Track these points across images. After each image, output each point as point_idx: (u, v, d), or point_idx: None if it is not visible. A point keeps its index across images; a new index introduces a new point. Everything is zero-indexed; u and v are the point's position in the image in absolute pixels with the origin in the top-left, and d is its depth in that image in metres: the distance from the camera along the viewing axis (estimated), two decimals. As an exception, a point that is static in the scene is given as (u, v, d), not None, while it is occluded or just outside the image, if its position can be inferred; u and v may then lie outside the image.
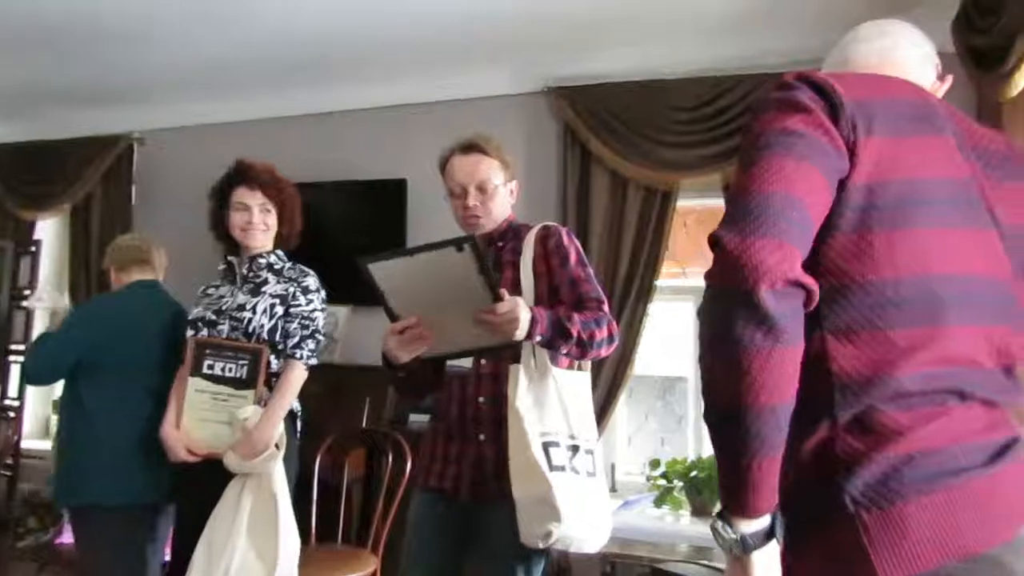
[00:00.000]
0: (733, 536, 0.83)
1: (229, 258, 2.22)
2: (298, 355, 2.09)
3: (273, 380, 2.11)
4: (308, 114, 3.71)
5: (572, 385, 1.71)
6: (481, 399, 1.74)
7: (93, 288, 4.03)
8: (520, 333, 1.51)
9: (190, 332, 2.13)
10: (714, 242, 0.82)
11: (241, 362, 2.08)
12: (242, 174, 2.16)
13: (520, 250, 1.80)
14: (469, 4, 2.73)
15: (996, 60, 1.95)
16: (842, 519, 0.81)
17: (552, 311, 1.62)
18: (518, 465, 1.59)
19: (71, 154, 4.07)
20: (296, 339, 2.09)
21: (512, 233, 1.87)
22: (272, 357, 2.10)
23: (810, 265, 0.84)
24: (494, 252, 1.83)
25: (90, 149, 4.04)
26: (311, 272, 2.19)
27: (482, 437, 1.73)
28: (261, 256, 2.17)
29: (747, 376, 0.78)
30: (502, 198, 1.84)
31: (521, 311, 1.50)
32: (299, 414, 2.19)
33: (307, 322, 2.11)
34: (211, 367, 2.07)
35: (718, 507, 0.86)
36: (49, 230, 4.30)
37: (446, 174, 1.85)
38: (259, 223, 2.13)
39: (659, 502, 3.02)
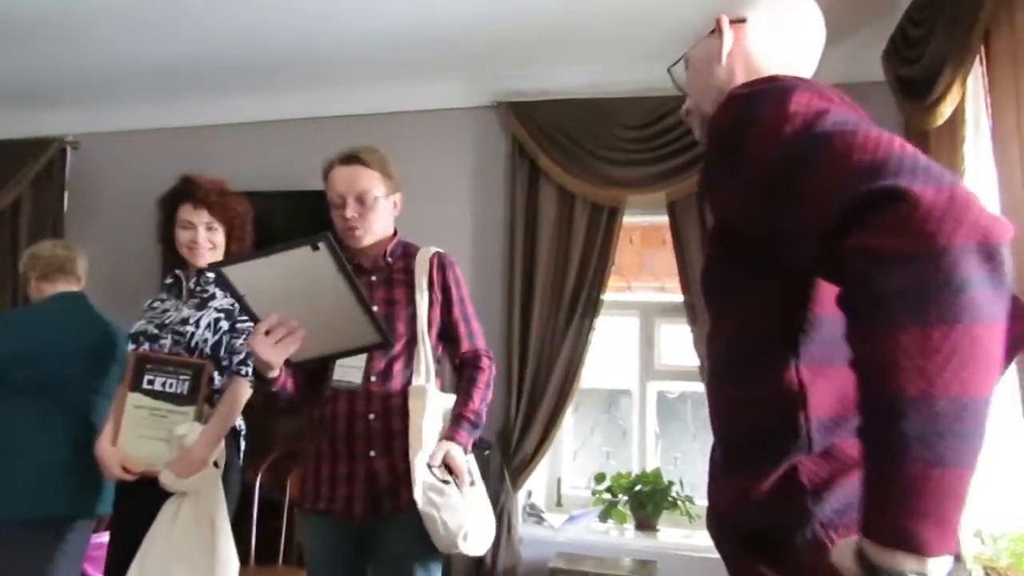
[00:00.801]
0: None
1: (176, 272, 2.16)
2: (243, 371, 2.03)
3: (216, 397, 2.05)
4: (252, 122, 3.64)
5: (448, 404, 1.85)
6: (372, 416, 1.75)
7: (20, 298, 3.85)
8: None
9: (131, 346, 2.06)
10: (898, 196, 0.64)
11: (182, 377, 2.01)
12: (188, 191, 2.09)
13: (411, 269, 1.85)
14: (421, 17, 2.73)
15: (923, 89, 2.05)
16: (811, 543, 0.79)
17: (469, 424, 1.81)
18: (426, 481, 1.69)
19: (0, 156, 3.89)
20: (243, 355, 2.03)
21: (402, 249, 1.90)
22: (216, 373, 2.04)
23: (800, 289, 0.80)
24: (385, 267, 1.85)
25: (20, 151, 3.85)
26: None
27: (372, 453, 1.75)
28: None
29: (989, 357, 0.62)
30: (383, 211, 1.84)
31: (456, 453, 1.74)
32: (243, 432, 2.13)
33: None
34: (151, 382, 2.00)
35: (879, 551, 0.65)
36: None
37: (327, 184, 1.84)
38: (204, 242, 2.07)
39: (604, 516, 3.04)
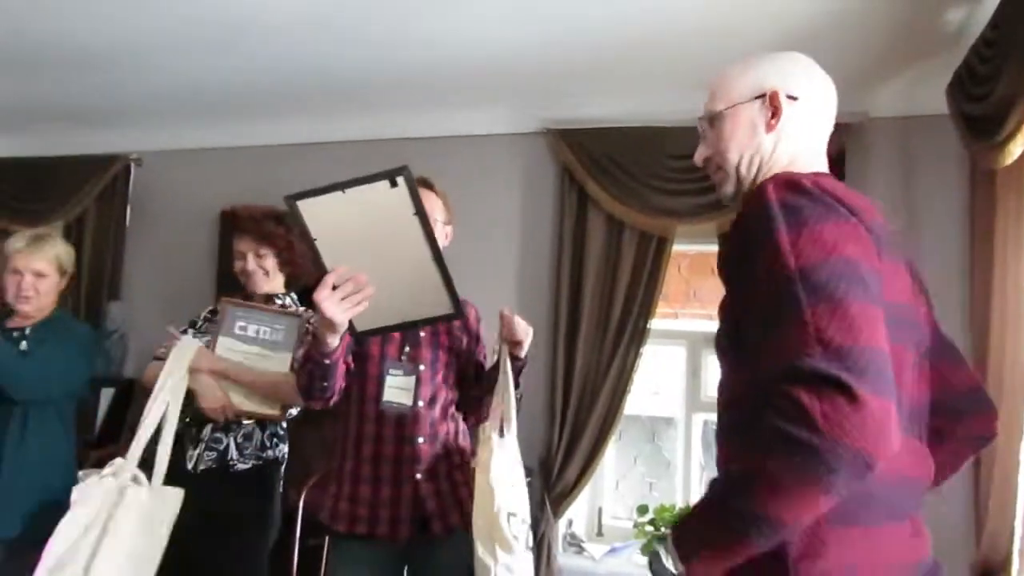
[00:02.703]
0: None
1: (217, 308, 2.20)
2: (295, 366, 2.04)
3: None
4: (305, 143, 3.72)
5: (516, 453, 1.79)
6: (421, 439, 1.75)
7: (82, 307, 3.99)
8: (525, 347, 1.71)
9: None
10: (845, 391, 0.76)
11: (278, 326, 2.02)
12: (234, 224, 2.17)
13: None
14: (472, 44, 2.76)
15: (991, 127, 1.98)
16: None
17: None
18: (483, 531, 1.64)
19: (67, 172, 4.04)
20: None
21: None
22: None
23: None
24: None
25: (87, 168, 4.01)
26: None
27: (419, 476, 1.74)
28: (276, 297, 2.16)
29: (804, 514, 0.81)
30: (439, 238, 1.86)
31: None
32: (283, 460, 2.15)
33: None
34: (244, 328, 2.00)
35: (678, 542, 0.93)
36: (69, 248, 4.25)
37: None
38: (256, 269, 2.12)
39: (646, 549, 2.99)
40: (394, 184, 1.27)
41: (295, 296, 2.21)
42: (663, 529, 3.01)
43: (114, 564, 1.59)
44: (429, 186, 1.86)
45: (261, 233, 2.12)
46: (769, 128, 1.07)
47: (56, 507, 2.09)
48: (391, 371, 1.79)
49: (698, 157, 1.17)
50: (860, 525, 0.87)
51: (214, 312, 2.21)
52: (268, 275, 2.14)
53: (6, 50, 3.02)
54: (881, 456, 0.75)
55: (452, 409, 1.87)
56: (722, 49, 2.62)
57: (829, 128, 1.13)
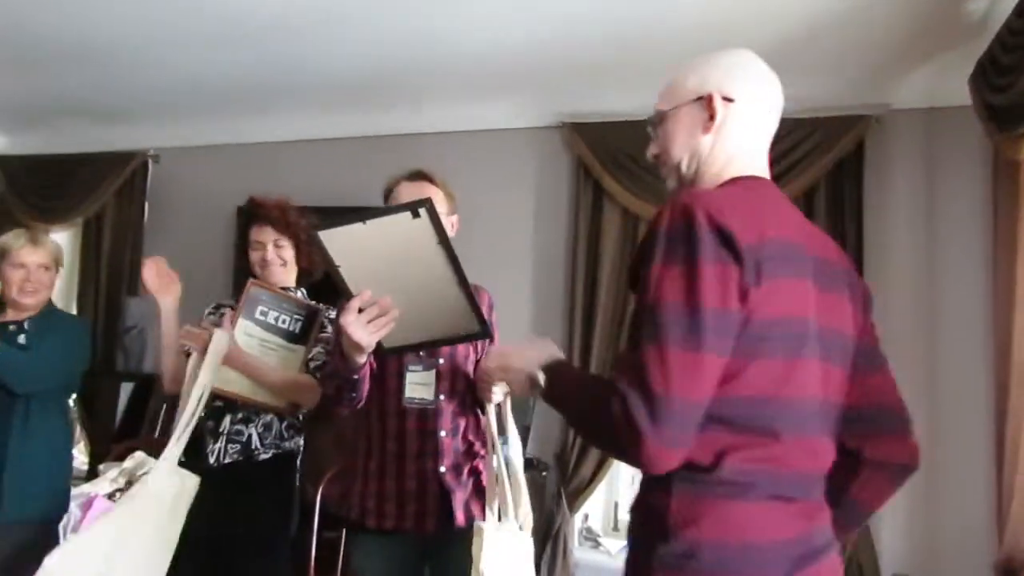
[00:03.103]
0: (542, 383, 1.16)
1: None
2: (320, 376, 2.03)
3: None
4: (321, 139, 3.73)
5: (521, 541, 1.72)
6: (443, 433, 1.76)
7: (101, 303, 4.03)
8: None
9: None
10: (638, 432, 0.91)
11: (296, 317, 2.04)
12: (254, 212, 2.15)
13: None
14: (488, 39, 2.75)
15: (1014, 118, 1.95)
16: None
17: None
18: None
19: (86, 168, 4.09)
20: (320, 362, 2.06)
21: None
22: None
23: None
24: None
25: (105, 165, 4.05)
26: (332, 307, 2.17)
27: (442, 469, 1.76)
28: (291, 291, 2.16)
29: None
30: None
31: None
32: (299, 453, 2.16)
33: (332, 349, 2.08)
34: (264, 314, 2.02)
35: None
36: (59, 243, 4.28)
37: (391, 200, 1.85)
38: (274, 259, 2.12)
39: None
40: (416, 215, 1.29)
41: (305, 291, 2.22)
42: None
43: (137, 550, 1.61)
44: (428, 179, 1.86)
45: (282, 223, 2.12)
46: (706, 129, 1.13)
47: (61, 492, 2.23)
48: (411, 368, 1.79)
49: (649, 154, 1.24)
50: (739, 501, 0.96)
51: (218, 307, 2.22)
52: (285, 266, 2.14)
53: (22, 47, 3.05)
54: (645, 469, 0.95)
55: (471, 400, 1.87)
56: (743, 42, 2.57)
57: (772, 126, 1.18)
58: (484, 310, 1.88)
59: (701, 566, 0.94)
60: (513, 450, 1.77)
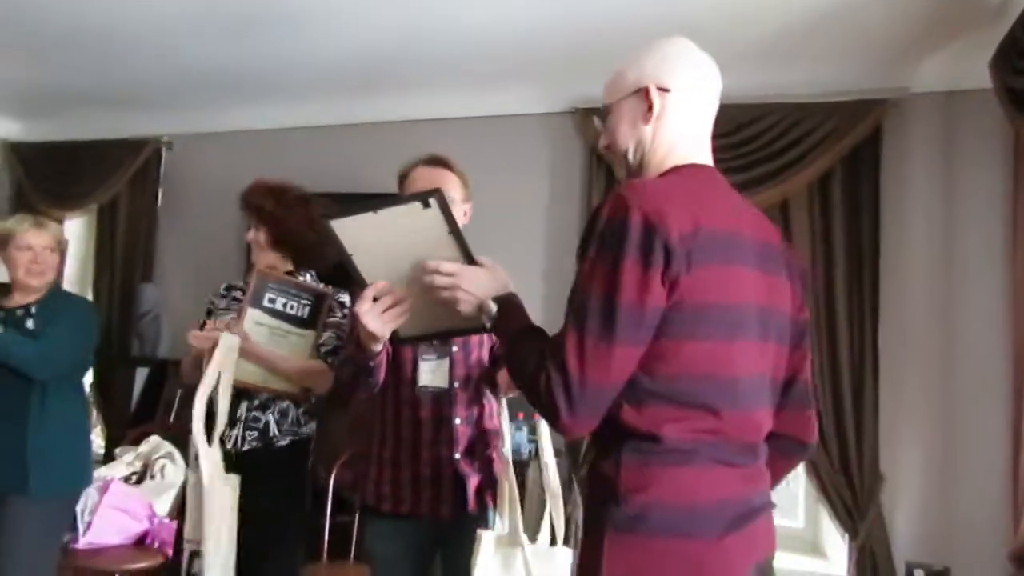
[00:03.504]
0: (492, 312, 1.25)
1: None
2: (331, 360, 2.04)
3: None
4: (334, 124, 3.73)
5: (548, 567, 1.72)
6: (457, 420, 1.77)
7: (116, 289, 4.06)
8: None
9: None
10: (555, 410, 1.03)
11: (304, 301, 2.05)
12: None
13: None
14: (500, 23, 2.73)
15: (1036, 102, 1.91)
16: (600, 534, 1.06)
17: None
18: None
19: (100, 155, 4.11)
20: (331, 347, 2.07)
21: None
22: None
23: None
24: None
25: (119, 152, 4.07)
26: (343, 290, 2.18)
27: (457, 456, 1.76)
28: (293, 275, 2.16)
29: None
30: (458, 217, 1.83)
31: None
32: (311, 437, 2.18)
33: (342, 333, 2.08)
34: (272, 301, 2.02)
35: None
36: (74, 230, 4.33)
37: (406, 185, 1.83)
38: (253, 241, 2.13)
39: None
40: (427, 205, 1.29)
41: (314, 273, 2.22)
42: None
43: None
44: (446, 164, 1.84)
45: (252, 206, 2.13)
46: (646, 120, 1.19)
47: (84, 466, 2.37)
48: (424, 356, 1.79)
49: (600, 145, 1.32)
50: (684, 467, 1.05)
51: (229, 289, 2.23)
52: (261, 247, 2.14)
53: (36, 35, 3.06)
54: (561, 434, 1.08)
55: (485, 388, 1.87)
56: (758, 22, 2.57)
57: (711, 112, 1.25)
58: None
59: (650, 526, 1.02)
60: (550, 470, 1.78)
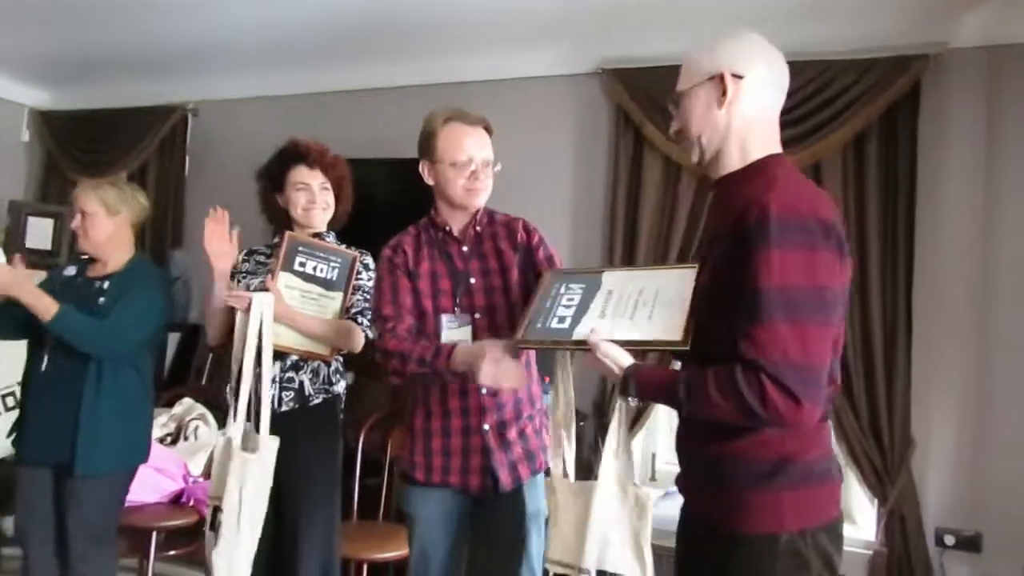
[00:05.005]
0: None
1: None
2: (360, 321, 2.08)
3: None
4: (360, 89, 3.70)
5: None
6: (483, 389, 1.73)
7: (146, 255, 4.08)
8: None
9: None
10: (794, 397, 1.11)
11: (333, 264, 2.08)
12: (300, 154, 2.14)
13: (499, 235, 1.82)
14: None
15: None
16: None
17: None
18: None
19: (128, 123, 4.13)
20: (359, 309, 2.10)
21: (488, 218, 1.86)
22: None
23: None
24: (475, 236, 1.82)
25: (146, 119, 4.10)
26: (367, 252, 2.18)
27: (486, 427, 1.75)
28: (320, 236, 2.17)
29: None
30: (490, 179, 1.82)
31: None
32: (342, 397, 2.20)
33: (368, 295, 2.10)
34: (303, 264, 2.06)
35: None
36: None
37: (445, 139, 1.77)
38: (320, 202, 2.13)
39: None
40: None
41: (334, 235, 2.23)
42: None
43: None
44: (489, 129, 1.83)
45: (329, 166, 2.14)
46: (720, 105, 1.27)
47: (135, 446, 2.28)
48: (447, 324, 1.77)
49: (671, 131, 1.39)
50: (824, 425, 1.26)
51: (251, 253, 2.25)
52: (327, 210, 2.16)
53: (64, 4, 3.06)
54: (798, 429, 1.18)
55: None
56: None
57: (780, 99, 1.32)
58: (521, 237, 1.83)
59: (813, 475, 1.21)
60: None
